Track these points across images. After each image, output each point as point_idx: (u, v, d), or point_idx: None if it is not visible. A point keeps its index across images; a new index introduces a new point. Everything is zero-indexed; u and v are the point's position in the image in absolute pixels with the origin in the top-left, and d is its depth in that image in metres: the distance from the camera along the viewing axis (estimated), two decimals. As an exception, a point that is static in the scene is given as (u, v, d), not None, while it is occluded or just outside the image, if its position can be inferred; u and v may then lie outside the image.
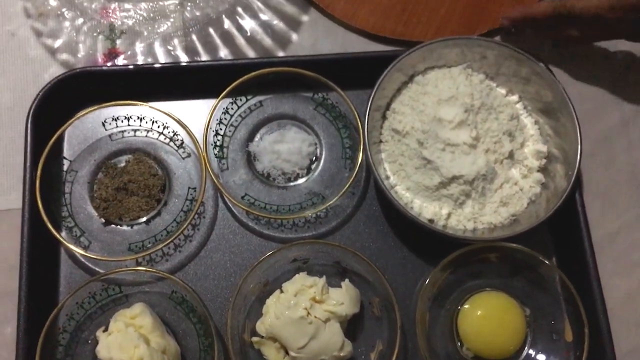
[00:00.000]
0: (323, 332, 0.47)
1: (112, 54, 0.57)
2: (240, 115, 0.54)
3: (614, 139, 0.57)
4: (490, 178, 0.51)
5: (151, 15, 0.58)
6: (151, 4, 0.57)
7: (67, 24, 0.57)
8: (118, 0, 0.58)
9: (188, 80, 0.54)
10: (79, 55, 0.57)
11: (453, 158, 0.50)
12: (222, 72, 0.53)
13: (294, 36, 0.58)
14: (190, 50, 0.57)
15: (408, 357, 0.50)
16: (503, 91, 0.55)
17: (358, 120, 0.52)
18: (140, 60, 0.56)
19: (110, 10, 0.58)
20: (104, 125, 0.53)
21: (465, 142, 0.50)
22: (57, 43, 0.57)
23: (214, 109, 0.52)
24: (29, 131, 0.51)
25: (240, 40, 0.58)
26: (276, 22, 0.58)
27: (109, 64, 0.56)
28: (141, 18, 0.57)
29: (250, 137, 0.54)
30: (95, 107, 0.51)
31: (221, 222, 0.52)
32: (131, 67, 0.54)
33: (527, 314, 0.50)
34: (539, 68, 0.52)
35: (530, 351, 0.50)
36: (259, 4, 0.59)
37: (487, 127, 0.51)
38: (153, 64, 0.54)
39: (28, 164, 0.50)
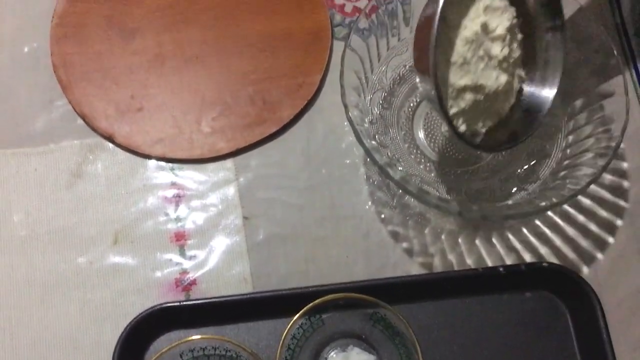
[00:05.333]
0: None
1: (182, 278, 0.61)
2: (304, 335, 0.59)
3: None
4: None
5: (216, 236, 0.63)
6: (219, 235, 0.63)
7: (142, 249, 0.62)
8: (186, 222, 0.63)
9: (255, 307, 0.59)
10: (156, 275, 0.61)
11: None
12: (289, 299, 0.58)
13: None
14: (254, 271, 0.62)
15: None
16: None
17: (415, 339, 0.56)
18: (208, 282, 0.61)
19: (180, 236, 0.63)
20: (180, 356, 0.57)
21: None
22: (134, 268, 0.61)
23: (283, 340, 0.56)
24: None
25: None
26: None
27: (182, 297, 0.61)
28: (211, 245, 0.63)
29: (315, 358, 0.58)
30: (173, 344, 0.55)
31: None
32: (201, 301, 0.58)
33: None
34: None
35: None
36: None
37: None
38: (220, 297, 0.59)
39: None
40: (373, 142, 0.59)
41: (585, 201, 0.64)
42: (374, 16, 0.61)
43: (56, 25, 0.69)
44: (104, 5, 0.69)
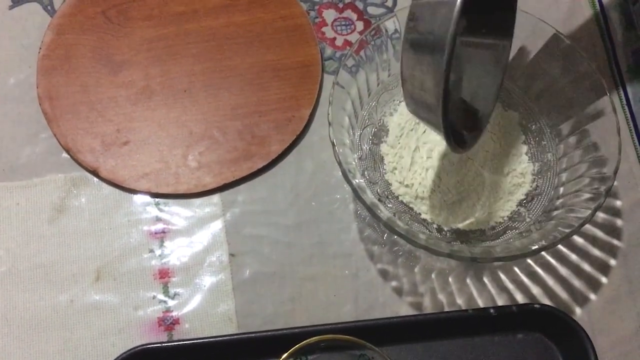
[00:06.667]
0: None
1: (165, 317, 0.60)
2: (290, 377, 0.57)
3: None
4: None
5: (202, 273, 0.61)
6: (204, 273, 0.62)
7: (124, 287, 0.61)
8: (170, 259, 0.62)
9: (240, 348, 0.57)
10: (138, 314, 0.60)
11: None
12: (274, 340, 0.56)
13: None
14: (239, 310, 0.60)
15: None
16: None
17: (403, 383, 0.54)
18: (191, 322, 0.60)
19: (164, 273, 0.61)
20: (162, 400, 0.55)
21: None
22: (115, 307, 0.60)
23: (268, 384, 0.55)
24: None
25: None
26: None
27: (164, 337, 0.59)
28: (196, 283, 0.61)
29: (301, 401, 0.57)
30: (156, 387, 0.54)
31: None
32: (183, 342, 0.57)
33: None
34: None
35: None
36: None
37: None
38: (203, 338, 0.57)
39: None
40: (361, 181, 0.58)
41: (578, 240, 0.63)
42: (362, 52, 0.60)
43: (43, 56, 0.68)
44: (91, 37, 0.69)
